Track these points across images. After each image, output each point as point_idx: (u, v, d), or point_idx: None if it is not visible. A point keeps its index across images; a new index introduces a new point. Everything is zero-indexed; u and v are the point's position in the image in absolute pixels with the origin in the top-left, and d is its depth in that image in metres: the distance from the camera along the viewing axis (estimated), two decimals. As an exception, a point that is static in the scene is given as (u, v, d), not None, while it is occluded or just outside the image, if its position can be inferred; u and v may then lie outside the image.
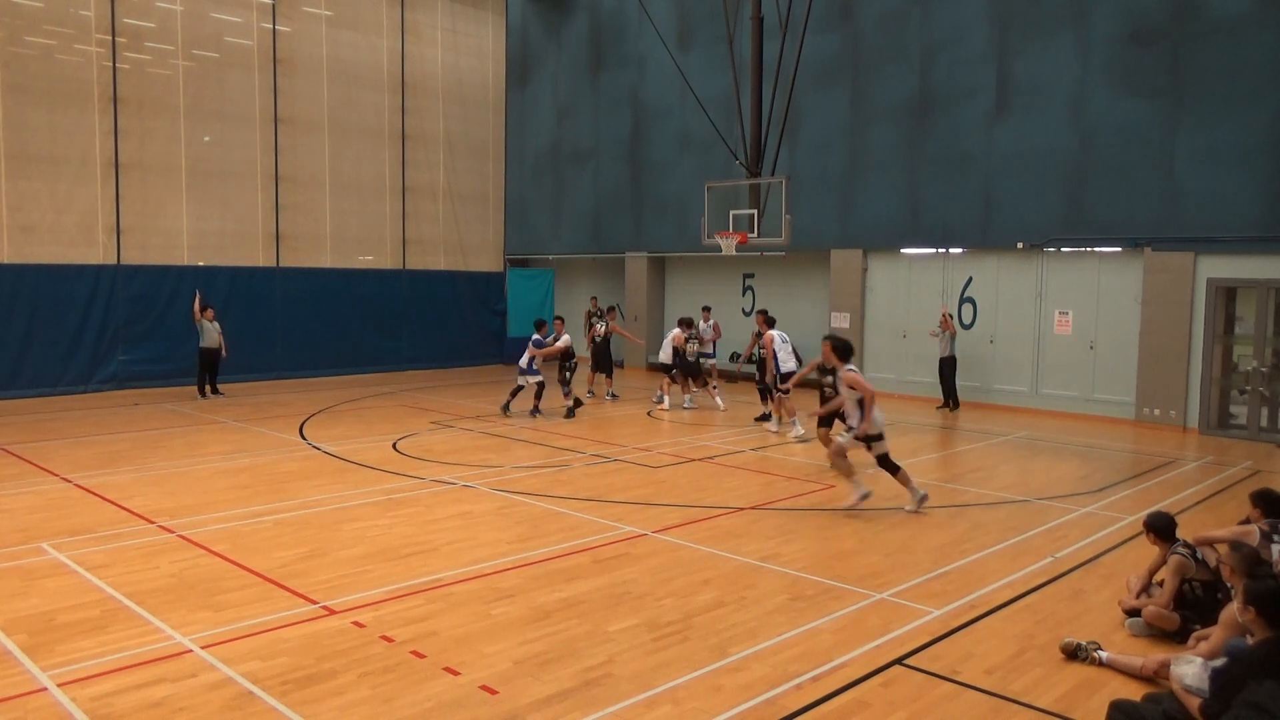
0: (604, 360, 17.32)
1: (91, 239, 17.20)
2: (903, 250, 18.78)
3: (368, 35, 20.97)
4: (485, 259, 23.74)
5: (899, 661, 5.63)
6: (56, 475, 10.37)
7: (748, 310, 22.40)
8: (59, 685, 5.07)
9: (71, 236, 16.98)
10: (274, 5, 19.28)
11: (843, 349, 9.59)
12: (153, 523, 8.44)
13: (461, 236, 23.08)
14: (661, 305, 23.83)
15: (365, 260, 21.30)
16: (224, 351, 16.92)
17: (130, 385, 17.42)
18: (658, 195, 23.35)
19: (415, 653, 5.60)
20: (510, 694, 5.09)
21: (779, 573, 7.32)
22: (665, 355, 16.40)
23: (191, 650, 5.58)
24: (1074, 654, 5.68)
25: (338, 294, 20.49)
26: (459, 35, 22.82)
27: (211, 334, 16.66)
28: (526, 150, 26.59)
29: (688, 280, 23.68)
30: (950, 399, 17.12)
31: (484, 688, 5.16)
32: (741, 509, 9.37)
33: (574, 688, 5.18)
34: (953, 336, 16.94)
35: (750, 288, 22.44)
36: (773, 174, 16.62)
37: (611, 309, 19.87)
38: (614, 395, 17.59)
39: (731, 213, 16.52)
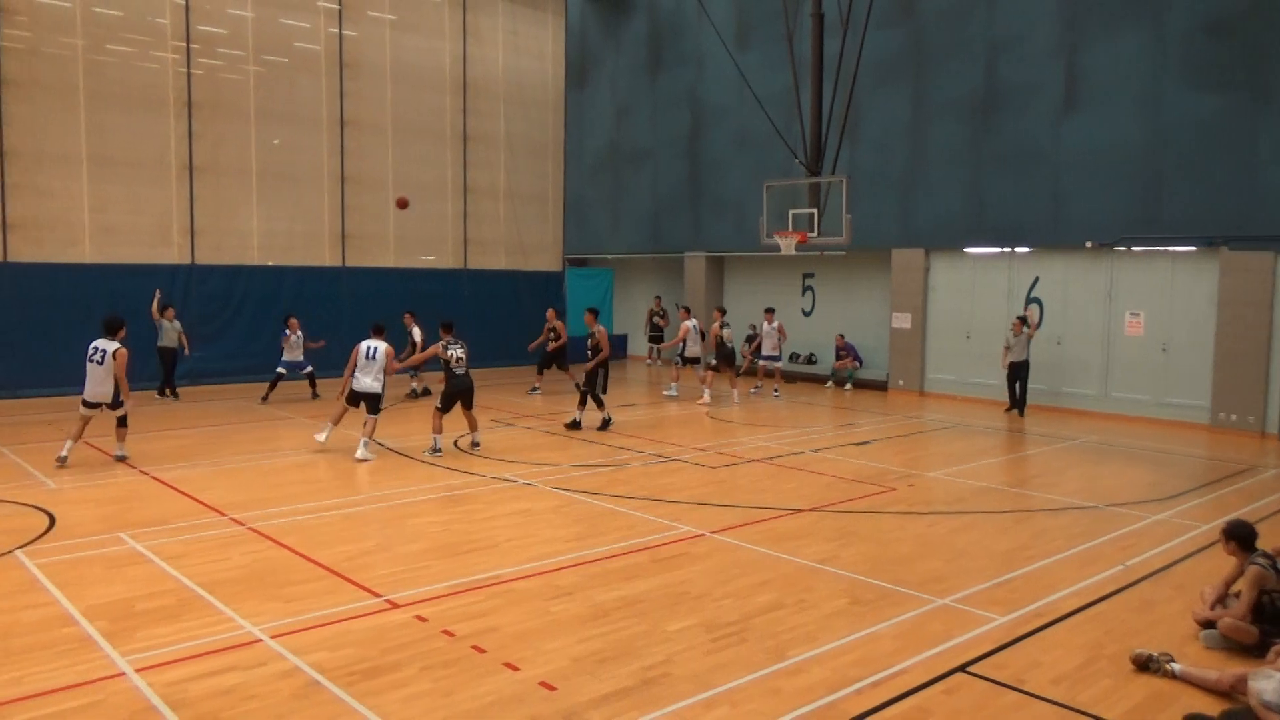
0: (730, 359, 17.83)
1: (167, 239, 17.79)
2: (966, 249, 18.44)
3: (430, 39, 21.31)
4: (545, 258, 23.94)
5: (962, 669, 5.54)
6: (134, 468, 10.76)
7: (808, 310, 22.24)
8: (137, 670, 5.26)
9: (148, 237, 17.59)
10: (340, 11, 19.71)
11: None
12: (225, 515, 8.71)
13: (521, 236, 23.31)
14: (721, 305, 23.74)
15: (427, 260, 21.64)
16: (186, 350, 16.58)
17: (203, 382, 17.92)
18: (716, 194, 23.29)
19: (476, 648, 5.69)
20: (569, 691, 5.13)
21: (838, 575, 7.26)
22: (696, 348, 17.51)
23: (261, 640, 5.74)
24: (1145, 665, 5.52)
25: (400, 293, 20.81)
26: (519, 37, 23.04)
27: (170, 333, 16.35)
28: (585, 150, 26.75)
29: (747, 280, 23.58)
30: (1019, 404, 16.50)
31: (543, 684, 5.21)
32: (800, 510, 9.30)
33: (632, 686, 5.20)
34: (1029, 340, 16.31)
35: (810, 287, 22.26)
36: (833, 173, 16.47)
37: (659, 311, 20.93)
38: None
39: (791, 212, 16.41)
